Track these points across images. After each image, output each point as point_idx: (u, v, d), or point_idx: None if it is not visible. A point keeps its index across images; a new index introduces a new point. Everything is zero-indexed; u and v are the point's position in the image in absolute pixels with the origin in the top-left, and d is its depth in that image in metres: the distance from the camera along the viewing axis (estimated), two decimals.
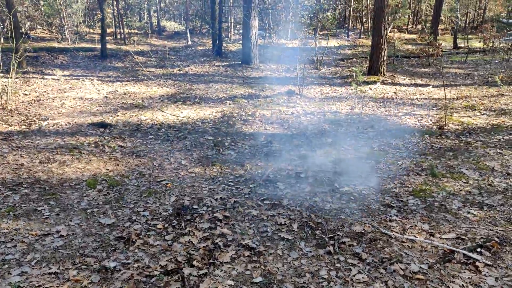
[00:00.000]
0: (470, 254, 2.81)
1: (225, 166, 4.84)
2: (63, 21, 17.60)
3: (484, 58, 13.57)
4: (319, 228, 3.35)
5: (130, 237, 3.26)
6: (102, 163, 4.85)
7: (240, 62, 12.59)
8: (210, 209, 3.74)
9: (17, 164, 4.71)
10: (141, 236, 3.29)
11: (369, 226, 3.31)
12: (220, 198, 3.96)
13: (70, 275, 2.80)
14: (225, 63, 12.89)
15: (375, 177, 4.40)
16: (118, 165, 4.84)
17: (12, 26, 9.29)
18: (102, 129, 6.22)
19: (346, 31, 21.80)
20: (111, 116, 6.93)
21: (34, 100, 7.75)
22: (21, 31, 9.34)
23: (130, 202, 3.91)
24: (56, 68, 11.15)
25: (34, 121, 6.47)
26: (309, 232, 3.30)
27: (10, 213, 3.63)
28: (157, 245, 3.18)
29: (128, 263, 2.94)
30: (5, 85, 7.13)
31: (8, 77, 7.34)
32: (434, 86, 9.30)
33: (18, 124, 6.31)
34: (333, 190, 4.14)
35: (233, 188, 4.22)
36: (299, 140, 5.81)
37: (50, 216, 3.61)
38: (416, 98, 8.26)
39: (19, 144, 5.38)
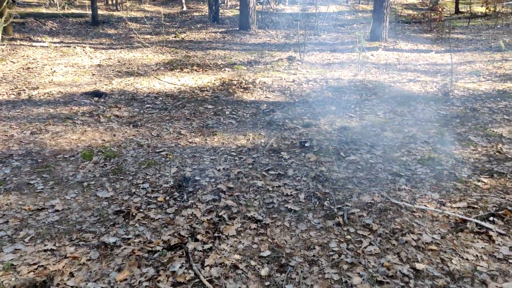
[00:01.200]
0: (483, 223, 2.69)
1: (226, 135, 4.65)
2: None
3: (487, 23, 13.17)
4: (327, 199, 3.21)
5: (129, 211, 3.11)
6: (97, 134, 4.65)
7: (238, 29, 12.14)
8: (213, 180, 3.58)
9: (7, 135, 4.49)
10: (141, 210, 3.15)
11: (378, 196, 3.17)
12: (223, 169, 3.80)
13: (67, 251, 2.67)
14: (223, 30, 12.43)
15: (382, 145, 4.24)
16: (114, 135, 4.64)
17: None
18: (96, 98, 5.96)
19: None
20: (105, 84, 6.66)
21: (23, 68, 7.42)
22: None
23: (129, 174, 3.74)
24: (45, 34, 10.70)
25: (24, 90, 6.20)
26: (317, 203, 3.17)
27: (1, 187, 3.46)
28: (159, 218, 3.04)
29: (129, 238, 2.80)
30: None
31: None
32: (437, 52, 9.01)
33: (7, 93, 6.04)
34: (339, 159, 3.99)
35: (236, 158, 4.05)
36: (302, 108, 5.60)
37: (44, 190, 3.44)
38: (419, 64, 7.99)
39: (8, 115, 5.14)
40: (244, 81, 6.87)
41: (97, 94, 6.11)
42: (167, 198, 3.32)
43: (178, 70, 7.73)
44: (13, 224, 2.97)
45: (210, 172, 3.75)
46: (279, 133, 4.74)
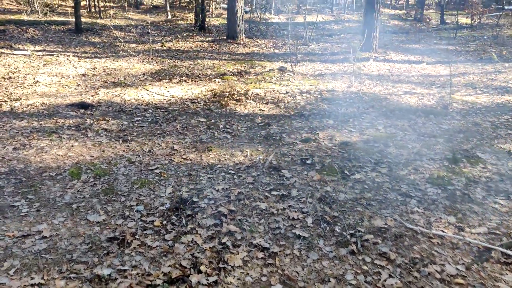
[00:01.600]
0: (510, 252, 2.55)
1: (222, 151, 4.44)
2: None
3: (472, 34, 13.39)
4: (337, 223, 3.03)
5: (124, 238, 2.86)
6: (85, 149, 4.37)
7: (225, 38, 11.98)
8: (212, 202, 3.36)
9: None
10: (137, 236, 2.90)
11: (391, 220, 3.01)
12: (222, 189, 3.58)
13: (57, 286, 2.40)
14: (210, 39, 12.25)
15: (386, 162, 4.10)
16: (103, 151, 4.36)
17: None
18: (82, 110, 5.67)
19: (330, 6, 21.26)
20: (91, 95, 6.36)
21: (4, 78, 7.05)
22: None
23: (121, 195, 3.48)
24: (27, 42, 10.30)
25: (5, 101, 5.85)
26: (327, 228, 2.98)
27: None
28: (157, 246, 2.79)
29: (125, 270, 2.55)
30: None
31: None
32: (428, 63, 9.03)
33: None
34: (344, 177, 3.82)
35: (234, 177, 3.83)
36: (299, 122, 5.44)
37: (29, 213, 3.15)
38: (412, 76, 7.97)
39: None
40: (236, 93, 6.68)
41: (83, 105, 5.81)
42: (164, 222, 3.08)
43: (166, 80, 7.49)
44: None
45: (208, 192, 3.53)
46: (278, 148, 4.55)
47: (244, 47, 11.12)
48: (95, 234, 2.91)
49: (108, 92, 6.55)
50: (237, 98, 6.43)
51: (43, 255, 2.69)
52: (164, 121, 5.38)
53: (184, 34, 12.85)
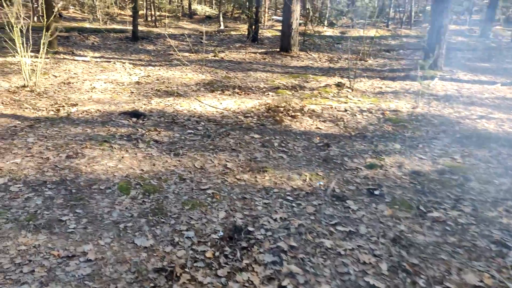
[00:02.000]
0: None
1: (278, 173, 4.08)
2: (94, 1, 17.12)
3: None
4: (419, 274, 2.55)
5: (173, 270, 2.56)
6: (135, 162, 4.18)
7: (278, 50, 11.72)
8: (270, 233, 2.99)
9: (42, 157, 4.09)
10: (187, 269, 2.59)
11: (488, 277, 2.49)
12: (280, 218, 3.21)
13: None
14: (262, 50, 12.04)
15: (469, 200, 3.55)
16: (154, 165, 4.15)
17: (45, 4, 8.74)
18: (135, 119, 5.56)
19: (386, 21, 20.50)
20: (144, 104, 6.27)
21: (64, 83, 7.17)
22: (53, 10, 8.76)
23: (171, 217, 3.21)
24: (87, 49, 10.61)
25: (63, 106, 5.88)
26: (407, 279, 2.51)
27: (30, 222, 3.00)
28: (208, 283, 2.47)
29: None
30: (35, 65, 6.56)
31: (38, 57, 6.76)
32: (503, 84, 8.21)
33: (46, 109, 5.73)
34: (420, 215, 3.32)
35: (293, 205, 3.46)
36: (361, 144, 4.98)
37: (76, 230, 2.96)
38: (486, 98, 7.23)
39: (46, 133, 4.77)
40: (291, 108, 6.33)
41: (135, 114, 5.71)
42: (217, 254, 2.76)
43: (219, 92, 7.29)
44: (39, 275, 2.48)
45: (265, 221, 3.17)
46: (340, 174, 4.12)
47: (298, 60, 10.79)
48: (141, 262, 2.64)
49: (160, 102, 6.43)
50: (292, 114, 6.07)
51: (86, 282, 2.45)
52: (217, 135, 5.12)
53: (237, 45, 12.75)
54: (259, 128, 5.50)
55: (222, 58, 10.53)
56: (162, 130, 5.20)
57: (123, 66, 8.88)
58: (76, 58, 9.34)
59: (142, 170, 4.02)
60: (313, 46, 12.99)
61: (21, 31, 6.46)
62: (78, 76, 7.74)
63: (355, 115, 6.22)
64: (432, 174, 4.12)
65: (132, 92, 6.94)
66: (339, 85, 7.81)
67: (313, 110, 6.35)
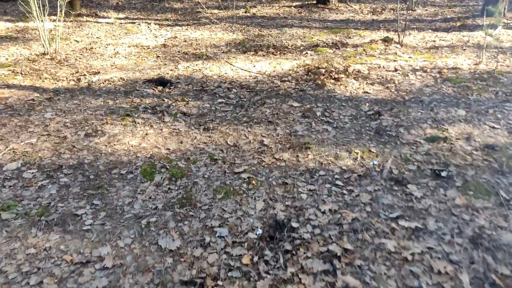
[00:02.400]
0: None
1: (324, 150, 3.50)
2: None
3: None
4: None
5: (203, 283, 2.12)
6: (161, 139, 3.73)
7: (315, 2, 10.67)
8: (318, 231, 2.48)
9: (59, 136, 3.71)
10: (219, 281, 2.14)
11: None
12: (330, 210, 2.68)
13: None
14: (297, 3, 11.03)
15: None
16: (181, 142, 3.68)
17: None
18: (160, 88, 5.06)
19: None
20: (170, 70, 5.74)
21: (86, 48, 6.73)
22: None
23: (200, 208, 2.76)
24: (110, 10, 10.06)
25: (84, 75, 5.46)
26: None
27: (42, 218, 2.64)
28: None
29: None
30: (57, 30, 6.10)
31: (58, 21, 6.31)
32: None
33: (67, 78, 5.34)
34: (501, 203, 2.69)
35: (344, 192, 2.90)
36: (418, 111, 4.26)
37: (92, 227, 2.57)
38: None
39: (65, 107, 4.39)
40: (334, 69, 5.60)
41: (161, 82, 5.21)
42: (256, 259, 2.29)
43: (251, 52, 6.62)
44: (48, 287, 2.12)
45: (311, 214, 2.65)
46: (396, 149, 3.49)
47: (337, 13, 9.77)
48: (166, 271, 2.22)
49: (188, 66, 5.88)
50: (336, 76, 5.36)
51: None
52: (251, 104, 4.55)
53: None
54: (298, 94, 4.86)
55: (254, 13, 9.69)
56: (190, 100, 4.69)
57: (148, 27, 8.31)
58: (99, 20, 8.84)
59: (168, 149, 3.56)
60: None
61: None
62: (101, 40, 7.27)
63: (407, 75, 5.42)
64: (510, 147, 3.40)
65: (158, 56, 6.41)
66: (386, 40, 6.90)
67: (359, 71, 5.59)
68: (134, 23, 8.63)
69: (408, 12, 9.54)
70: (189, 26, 8.45)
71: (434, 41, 7.14)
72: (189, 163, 3.34)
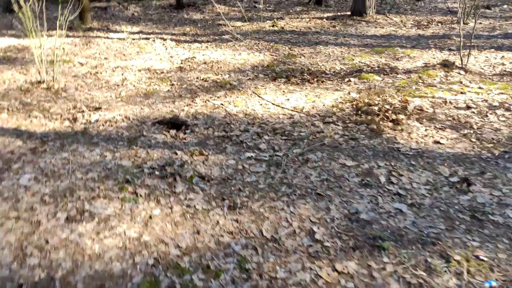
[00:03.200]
0: None
1: (406, 254, 2.37)
2: None
3: None
4: None
5: None
6: (169, 226, 2.67)
7: (349, 14, 9.54)
8: None
9: (31, 221, 2.70)
10: None
11: None
12: None
13: None
14: (329, 15, 9.91)
15: None
16: (198, 232, 2.62)
17: None
18: (173, 132, 4.04)
19: None
20: (187, 104, 4.71)
21: (90, 73, 5.78)
22: None
23: None
24: (125, 22, 9.16)
25: (83, 111, 4.48)
26: None
27: None
28: None
29: None
30: (55, 53, 5.13)
31: (68, 36, 5.33)
32: None
33: (61, 117, 4.36)
34: None
35: None
36: None
37: None
38: None
39: (49, 166, 3.39)
40: (389, 106, 4.47)
41: (175, 123, 4.18)
42: None
43: (283, 79, 5.54)
44: None
45: None
46: None
47: (376, 26, 8.60)
48: None
49: (207, 100, 4.83)
50: (393, 117, 4.22)
51: None
52: (289, 162, 3.46)
53: (298, 9, 10.68)
54: (350, 145, 3.74)
55: (283, 28, 8.60)
56: (210, 153, 3.63)
57: (163, 44, 7.32)
58: (111, 35, 7.92)
59: (180, 247, 2.49)
60: (389, 7, 10.59)
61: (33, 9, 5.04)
62: (109, 61, 6.32)
63: (487, 116, 4.25)
64: None
65: (172, 84, 5.39)
66: (445, 65, 5.71)
67: (421, 109, 4.44)
68: (149, 38, 7.66)
69: (458, 25, 8.28)
70: (209, 43, 7.42)
71: (503, 64, 5.92)
72: (209, 276, 2.26)
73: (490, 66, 5.86)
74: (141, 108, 4.61)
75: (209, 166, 3.42)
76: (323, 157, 3.53)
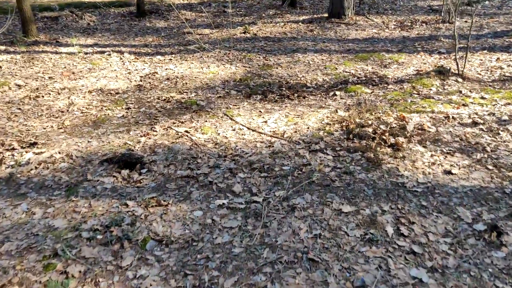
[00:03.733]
0: None
1: None
2: None
3: None
4: None
5: None
6: None
7: (327, 16, 8.92)
8: None
9: None
10: None
11: None
12: None
13: None
14: (305, 17, 9.26)
15: None
16: None
17: None
18: (126, 173, 3.24)
19: None
20: (144, 134, 3.90)
21: (30, 98, 4.89)
22: None
23: None
24: (78, 33, 8.23)
25: (12, 149, 3.62)
26: None
27: None
28: None
29: None
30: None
31: (8, 52, 4.45)
32: None
33: None
34: None
35: None
36: None
37: None
38: None
39: None
40: (384, 126, 3.79)
41: (128, 162, 3.37)
42: None
43: (259, 96, 4.80)
44: None
45: None
46: None
47: (357, 29, 7.99)
48: None
49: (169, 127, 4.04)
50: (392, 141, 3.54)
51: None
52: (272, 210, 2.72)
53: (270, 12, 9.98)
54: (344, 182, 3.04)
55: (255, 34, 7.87)
56: (170, 201, 2.86)
57: (121, 58, 6.47)
58: (60, 49, 7.00)
59: None
60: (368, 7, 10.04)
61: None
62: (53, 82, 5.43)
63: (499, 134, 3.64)
64: None
65: (129, 108, 4.57)
66: (440, 72, 5.11)
67: (422, 128, 3.79)
68: (104, 52, 6.78)
69: (445, 25, 7.78)
70: (173, 55, 6.61)
71: (501, 68, 5.37)
72: None
73: (488, 70, 5.30)
74: (88, 142, 3.77)
75: (168, 222, 2.64)
76: (313, 202, 2.81)
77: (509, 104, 4.22)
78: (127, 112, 4.42)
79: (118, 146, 3.66)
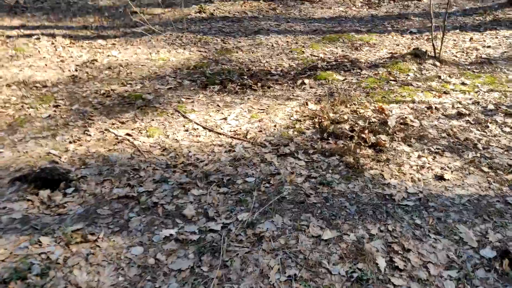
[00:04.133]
0: None
1: None
2: None
3: None
4: None
5: None
6: None
7: None
8: None
9: None
10: None
11: None
12: None
13: None
14: None
15: None
16: None
17: None
18: (46, 194, 2.53)
19: None
20: (74, 140, 3.15)
21: None
22: None
23: None
24: (3, 13, 7.07)
25: None
26: None
27: None
28: None
29: None
30: None
31: None
32: None
33: None
34: None
35: None
36: None
37: None
38: None
39: None
40: (363, 122, 3.27)
41: (49, 179, 2.63)
42: None
43: (217, 86, 4.13)
44: None
45: None
46: None
47: (322, 7, 7.39)
48: None
49: (107, 129, 3.30)
50: (373, 140, 3.02)
51: None
52: (233, 242, 2.13)
53: None
54: (321, 195, 2.49)
55: (212, 14, 7.08)
56: (101, 233, 2.20)
57: (52, 43, 5.51)
58: None
59: None
60: None
61: None
62: None
63: (487, 127, 3.23)
64: None
65: (58, 106, 3.75)
66: (416, 55, 4.63)
67: (404, 122, 3.30)
68: (32, 35, 5.78)
69: (414, 2, 7.35)
70: (117, 40, 5.74)
71: (476, 49, 5.00)
72: None
73: (463, 52, 4.91)
74: (1, 152, 2.99)
75: (96, 267, 1.99)
76: (284, 227, 2.24)
77: (491, 90, 3.82)
78: (55, 111, 3.62)
79: (39, 157, 2.90)
